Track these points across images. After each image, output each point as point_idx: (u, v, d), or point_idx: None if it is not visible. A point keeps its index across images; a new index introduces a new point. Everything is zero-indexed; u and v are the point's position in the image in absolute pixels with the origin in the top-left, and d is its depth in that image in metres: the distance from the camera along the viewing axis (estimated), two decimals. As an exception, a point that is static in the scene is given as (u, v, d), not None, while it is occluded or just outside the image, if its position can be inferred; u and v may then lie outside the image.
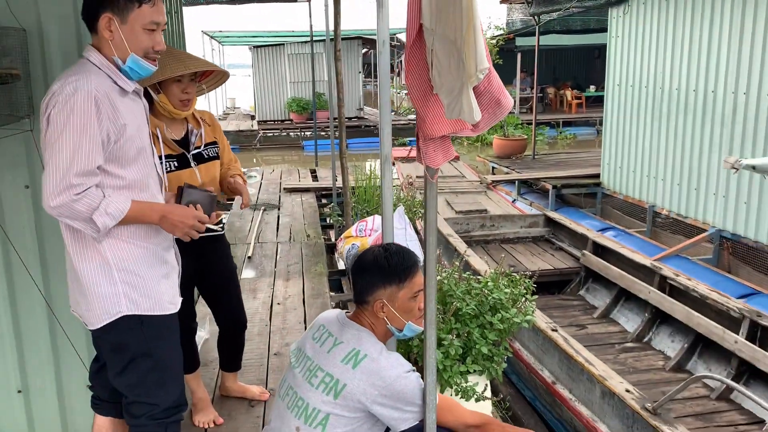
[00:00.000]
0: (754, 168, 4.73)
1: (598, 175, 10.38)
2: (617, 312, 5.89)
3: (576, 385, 3.85)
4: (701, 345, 4.93)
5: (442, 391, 3.04)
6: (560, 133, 19.73)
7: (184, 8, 6.91)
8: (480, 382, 3.27)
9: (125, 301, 2.03)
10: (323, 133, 13.26)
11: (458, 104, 1.60)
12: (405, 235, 4.40)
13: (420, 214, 6.61)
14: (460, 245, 6.13)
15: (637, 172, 9.32)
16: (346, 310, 2.25)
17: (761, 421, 4.06)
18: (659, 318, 5.41)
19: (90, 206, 1.86)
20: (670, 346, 5.20)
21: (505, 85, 1.79)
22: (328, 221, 7.80)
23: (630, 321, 5.68)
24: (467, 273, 3.67)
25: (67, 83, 1.88)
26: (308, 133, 19.76)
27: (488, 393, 3.29)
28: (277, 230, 7.10)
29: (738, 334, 4.60)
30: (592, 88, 22.73)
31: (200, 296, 3.15)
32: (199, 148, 2.72)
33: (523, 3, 12.21)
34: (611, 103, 9.99)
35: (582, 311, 6.06)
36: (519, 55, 20.68)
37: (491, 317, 3.35)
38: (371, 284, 2.10)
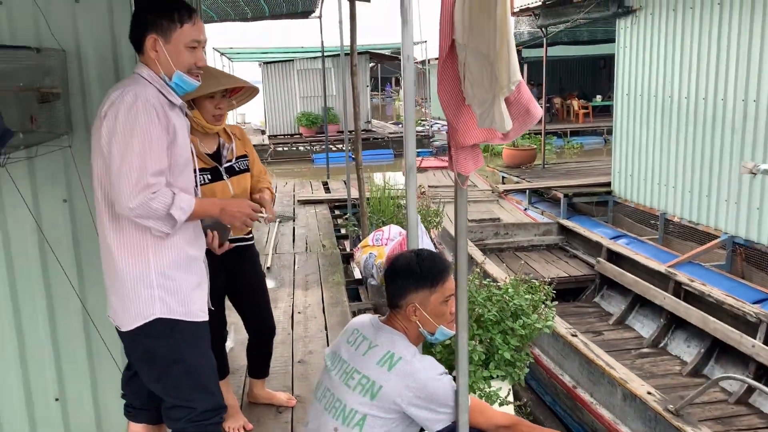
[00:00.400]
0: None
1: (608, 184, 10.44)
2: (632, 318, 5.94)
3: (597, 389, 3.91)
4: (718, 349, 4.97)
5: (467, 395, 3.09)
6: (567, 142, 19.81)
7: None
8: (503, 387, 3.33)
9: (160, 305, 2.10)
10: (332, 146, 13.38)
11: (490, 114, 1.69)
12: (421, 244, 4.47)
13: (434, 223, 6.69)
14: (477, 253, 6.20)
15: (648, 179, 9.37)
16: (378, 315, 2.33)
17: (781, 424, 4.11)
18: (675, 323, 5.46)
19: (165, 203, 1.96)
20: (686, 351, 5.24)
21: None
22: (342, 232, 7.89)
23: (645, 327, 5.73)
24: (486, 280, 3.74)
25: (126, 92, 1.98)
26: (317, 147, 19.94)
27: (511, 398, 3.35)
28: (294, 241, 7.20)
29: (755, 339, 4.65)
30: (599, 97, 22.84)
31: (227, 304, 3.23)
32: (230, 161, 2.81)
33: (531, 15, 12.33)
34: (620, 113, 10.06)
35: (598, 318, 6.11)
36: (526, 66, 20.81)
37: (513, 323, 3.42)
38: (404, 288, 2.17)
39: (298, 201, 9.56)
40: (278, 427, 3.21)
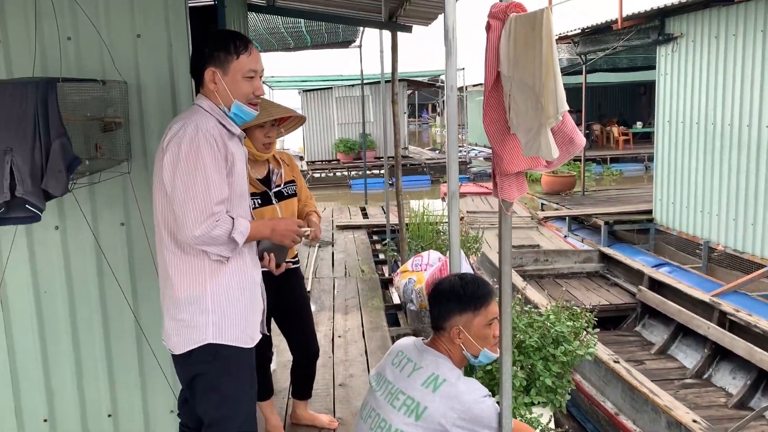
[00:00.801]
0: None
1: (650, 211, 10.31)
2: (675, 348, 5.84)
3: (640, 416, 3.87)
4: (765, 381, 4.86)
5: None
6: (607, 169, 19.64)
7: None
8: (544, 414, 3.33)
9: (213, 329, 2.14)
10: (370, 172, 13.52)
11: (536, 143, 1.75)
12: (461, 270, 4.51)
13: (473, 249, 6.71)
14: (518, 279, 6.20)
15: (690, 207, 9.25)
16: (422, 338, 2.38)
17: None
18: (719, 354, 5.36)
19: (227, 229, 2.04)
20: (731, 382, 5.13)
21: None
22: (380, 257, 7.96)
23: (689, 357, 5.63)
24: (528, 306, 3.75)
25: (187, 124, 2.06)
26: (354, 173, 20.16)
27: (552, 425, 3.35)
28: (333, 266, 7.29)
29: (804, 370, 4.54)
30: (639, 124, 22.62)
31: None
32: (279, 186, 2.93)
33: (570, 43, 12.36)
34: (662, 140, 9.98)
35: (639, 347, 6.03)
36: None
37: (554, 350, 3.42)
38: (448, 311, 2.23)
39: (337, 226, 9.68)
40: (320, 448, 3.26)
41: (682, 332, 5.84)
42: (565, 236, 10.30)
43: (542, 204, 12.77)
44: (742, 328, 5.41)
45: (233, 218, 2.09)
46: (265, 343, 3.05)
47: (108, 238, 2.90)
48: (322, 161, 21.83)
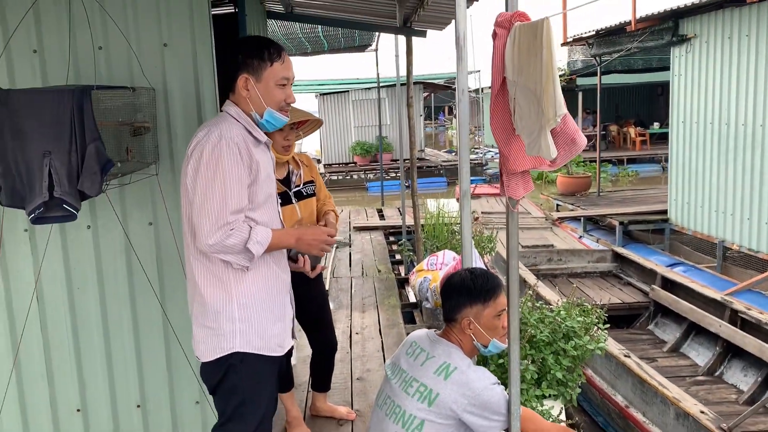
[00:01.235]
0: None
1: (665, 212, 10.34)
2: (687, 346, 5.91)
3: (650, 408, 3.95)
4: (776, 378, 4.92)
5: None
6: (623, 170, 19.61)
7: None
8: (555, 407, 3.44)
9: (240, 338, 2.15)
10: (386, 175, 13.65)
11: (537, 143, 1.88)
12: (476, 268, 4.62)
13: (488, 249, 6.82)
14: (530, 276, 6.30)
15: (705, 207, 9.27)
16: (434, 329, 2.50)
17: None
18: (731, 352, 5.42)
19: (242, 238, 2.03)
20: (742, 380, 5.19)
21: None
22: (397, 257, 8.09)
23: (701, 355, 5.70)
24: (539, 303, 3.86)
25: (211, 132, 2.08)
26: (371, 175, 20.33)
27: (563, 417, 3.45)
28: (350, 266, 7.44)
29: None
30: (656, 125, 22.55)
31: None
32: (299, 186, 3.07)
33: (584, 45, 12.42)
34: (676, 140, 10.01)
35: (651, 345, 6.10)
36: (580, 95, 20.80)
37: (565, 344, 3.53)
38: (459, 303, 2.35)
39: (354, 227, 9.83)
40: (339, 438, 3.40)
41: (694, 330, 5.90)
42: (580, 237, 10.35)
43: (557, 205, 12.82)
44: (754, 326, 5.47)
45: (251, 227, 2.08)
46: (287, 337, 3.20)
47: (137, 238, 3.04)
48: (339, 164, 22.05)
